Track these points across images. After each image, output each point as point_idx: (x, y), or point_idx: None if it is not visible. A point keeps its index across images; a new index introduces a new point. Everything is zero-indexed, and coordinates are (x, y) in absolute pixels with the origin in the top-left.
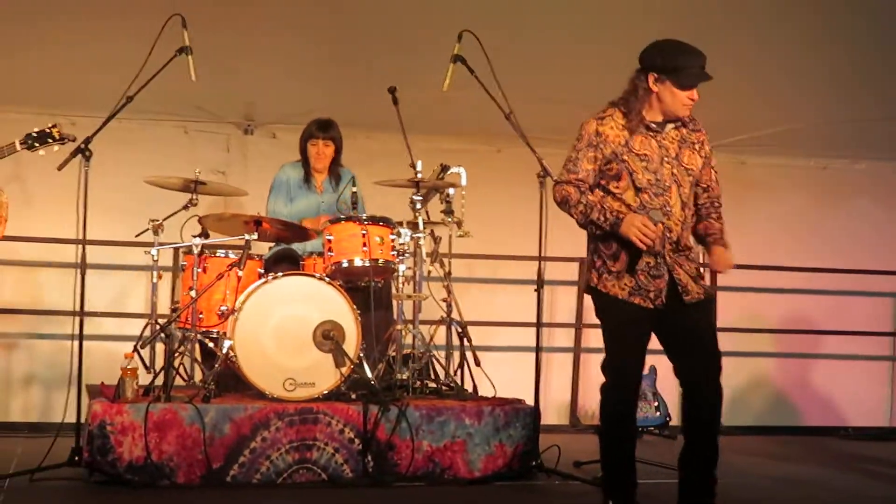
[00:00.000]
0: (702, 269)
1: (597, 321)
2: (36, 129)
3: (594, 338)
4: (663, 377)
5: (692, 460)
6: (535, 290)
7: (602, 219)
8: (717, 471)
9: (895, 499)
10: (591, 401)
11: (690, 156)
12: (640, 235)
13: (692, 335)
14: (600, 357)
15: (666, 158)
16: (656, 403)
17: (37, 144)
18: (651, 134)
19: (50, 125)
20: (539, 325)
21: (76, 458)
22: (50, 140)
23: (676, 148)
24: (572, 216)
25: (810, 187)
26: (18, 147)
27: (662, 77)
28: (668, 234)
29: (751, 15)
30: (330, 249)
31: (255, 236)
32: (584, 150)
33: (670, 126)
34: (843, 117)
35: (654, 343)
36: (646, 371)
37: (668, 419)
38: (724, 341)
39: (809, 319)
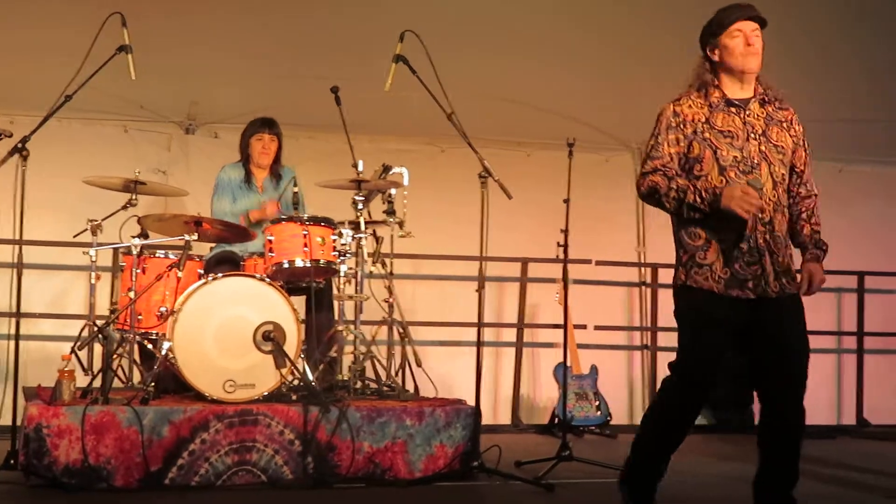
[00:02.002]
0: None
1: (540, 320)
2: None
3: (541, 335)
4: (604, 376)
5: (768, 482)
6: (476, 291)
7: (698, 199)
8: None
9: (835, 497)
10: (535, 400)
11: (779, 133)
12: (743, 204)
13: (777, 337)
14: (545, 354)
15: (752, 135)
16: (597, 403)
17: None
18: (734, 110)
19: None
20: (480, 324)
21: (12, 461)
22: None
23: (763, 124)
24: (664, 206)
25: None
26: None
27: (714, 41)
28: (760, 216)
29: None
30: (271, 250)
31: (195, 237)
32: (663, 133)
33: (755, 103)
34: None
35: (595, 339)
36: (586, 370)
37: (608, 418)
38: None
39: None
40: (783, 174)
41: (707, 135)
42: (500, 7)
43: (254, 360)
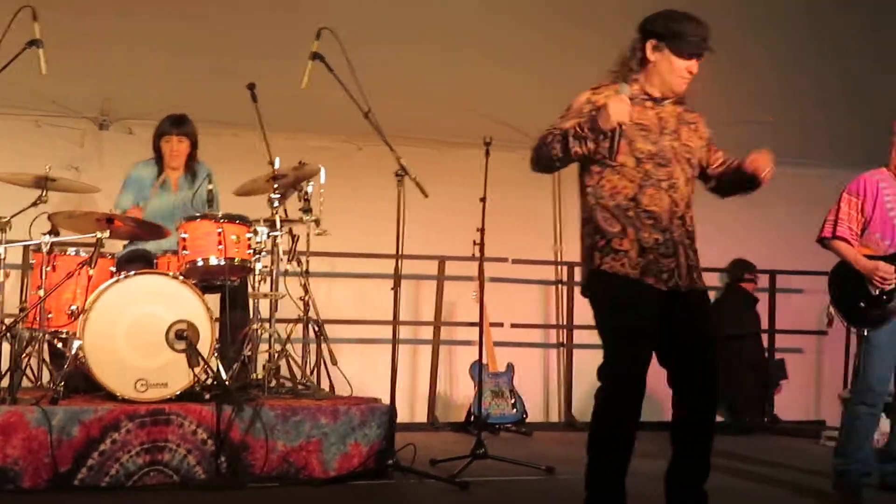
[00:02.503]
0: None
1: (457, 318)
2: None
3: (458, 333)
4: (521, 373)
5: (680, 476)
6: (392, 289)
7: (578, 128)
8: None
9: (749, 492)
10: (452, 398)
11: (689, 134)
12: (618, 108)
13: (689, 330)
14: (461, 352)
15: (665, 130)
16: (513, 400)
17: None
18: (649, 105)
19: None
20: (396, 322)
21: None
22: None
23: (675, 123)
24: (551, 154)
25: None
26: None
27: (661, 45)
28: (674, 209)
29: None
30: (185, 248)
31: (106, 234)
32: (573, 116)
33: (669, 102)
34: None
35: (512, 337)
36: (502, 368)
37: (524, 416)
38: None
39: None
40: (692, 173)
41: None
42: (418, 5)
43: (166, 358)
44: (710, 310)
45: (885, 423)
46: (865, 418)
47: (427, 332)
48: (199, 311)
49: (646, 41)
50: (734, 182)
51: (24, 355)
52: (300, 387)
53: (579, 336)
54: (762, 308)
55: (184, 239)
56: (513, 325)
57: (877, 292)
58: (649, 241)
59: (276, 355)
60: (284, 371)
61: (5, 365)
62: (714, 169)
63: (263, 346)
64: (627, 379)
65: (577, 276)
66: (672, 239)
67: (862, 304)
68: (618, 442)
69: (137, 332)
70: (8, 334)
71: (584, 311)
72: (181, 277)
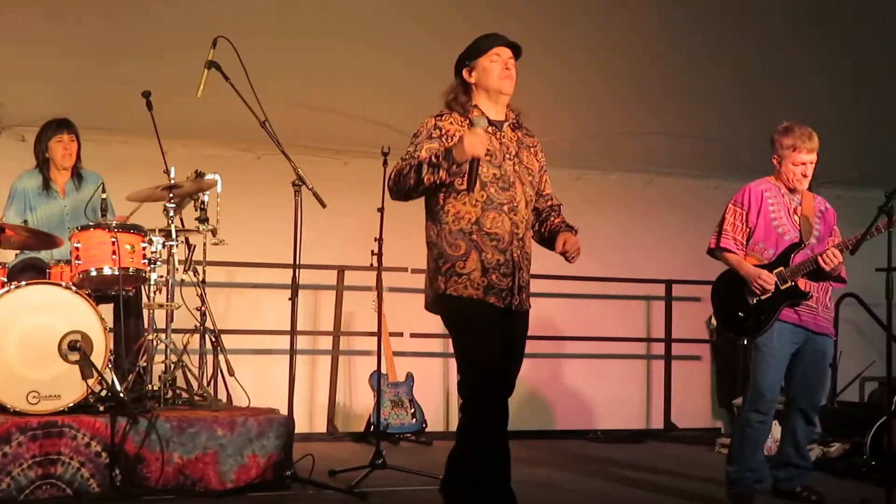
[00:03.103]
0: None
1: (356, 328)
2: None
3: (357, 343)
4: (421, 383)
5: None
6: (290, 299)
7: (433, 158)
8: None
9: (641, 500)
10: (351, 408)
11: (528, 157)
12: (473, 141)
13: (511, 346)
14: (361, 361)
15: (508, 155)
16: (413, 410)
17: None
18: (491, 130)
19: None
20: (293, 332)
21: None
22: None
23: (516, 147)
24: (408, 184)
25: (564, 196)
26: None
27: (471, 63)
28: (515, 231)
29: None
30: (78, 258)
31: None
32: (423, 141)
33: (507, 126)
34: (596, 129)
35: (412, 346)
36: (402, 378)
37: (424, 425)
38: None
39: (562, 324)
40: (532, 195)
41: None
42: (319, 10)
43: (59, 370)
44: (526, 330)
45: (776, 430)
46: (757, 426)
47: (326, 343)
48: (93, 321)
49: (462, 74)
50: (546, 243)
51: None
52: (197, 398)
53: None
54: (659, 316)
55: (77, 248)
56: (412, 335)
57: (754, 301)
58: (492, 261)
59: (172, 366)
60: (181, 382)
61: None
62: (541, 202)
63: (159, 357)
64: (483, 394)
65: None
66: (512, 259)
67: (740, 315)
68: (485, 454)
69: (29, 342)
70: None
71: None
72: (74, 287)
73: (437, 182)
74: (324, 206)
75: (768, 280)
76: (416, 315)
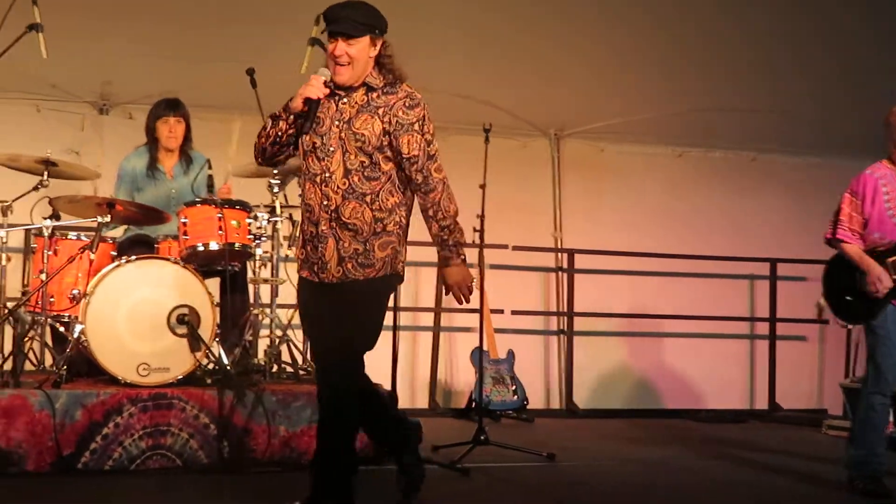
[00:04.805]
0: (375, 255)
1: (456, 305)
2: None
3: (458, 319)
4: (521, 360)
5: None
6: None
7: (278, 111)
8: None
9: (752, 482)
10: (452, 384)
11: (367, 120)
12: (307, 87)
13: (322, 321)
14: (462, 338)
15: (337, 121)
16: (514, 387)
17: None
18: (335, 98)
19: None
20: (396, 308)
21: None
22: None
23: (354, 112)
24: (259, 142)
25: (666, 174)
26: None
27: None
28: (324, 202)
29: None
30: (185, 233)
31: (108, 219)
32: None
33: (360, 90)
34: (699, 106)
35: (512, 323)
36: (503, 355)
37: (525, 402)
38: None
39: (664, 303)
40: (362, 161)
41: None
42: None
43: (168, 343)
44: (355, 304)
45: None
46: (879, 408)
47: (427, 319)
48: (201, 295)
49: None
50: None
51: (26, 339)
52: (301, 372)
53: (580, 323)
54: (763, 296)
55: (184, 224)
56: (513, 312)
57: (867, 289)
58: (307, 233)
59: (277, 341)
60: (286, 357)
61: (8, 348)
62: (411, 173)
63: (264, 332)
64: (317, 372)
65: (578, 263)
66: (319, 233)
67: (848, 298)
68: (322, 426)
69: (139, 316)
70: (10, 318)
71: (584, 298)
72: (182, 262)
73: (279, 133)
74: None
75: (885, 283)
76: (517, 292)
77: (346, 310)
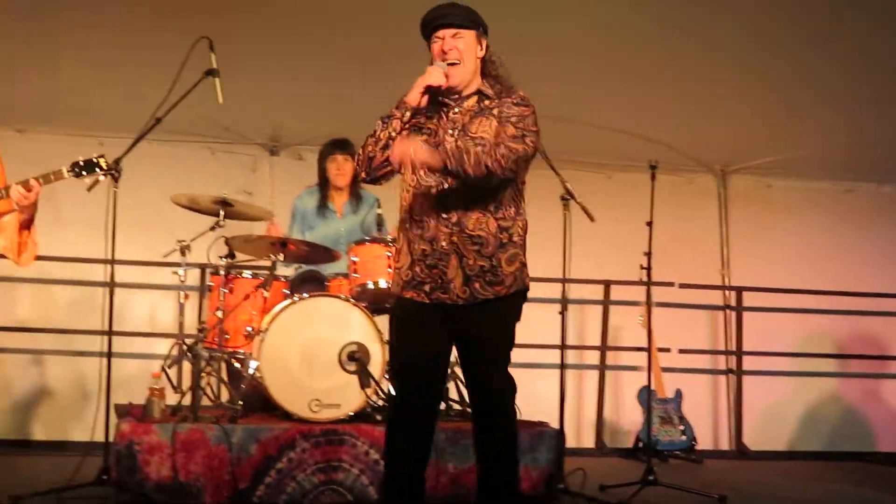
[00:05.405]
0: (503, 270)
1: (622, 343)
2: (83, 158)
3: (624, 358)
4: (689, 400)
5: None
6: (560, 313)
7: (380, 122)
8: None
9: None
10: (618, 423)
11: (482, 123)
12: (431, 72)
13: (471, 345)
14: (628, 377)
15: (451, 130)
16: (682, 427)
17: (84, 173)
18: (445, 109)
19: (96, 155)
20: (563, 346)
21: (104, 477)
22: (97, 170)
23: (467, 119)
24: (364, 151)
25: (836, 210)
26: (66, 174)
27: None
28: (444, 217)
29: (777, 37)
30: (355, 271)
31: (281, 258)
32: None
33: (473, 98)
34: (869, 140)
35: (679, 362)
36: (671, 394)
37: (693, 443)
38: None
39: (848, 340)
40: None
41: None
42: (582, 31)
43: (339, 380)
44: (497, 323)
45: None
46: None
47: (592, 357)
48: (371, 333)
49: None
50: None
51: (203, 375)
52: (469, 410)
53: (749, 362)
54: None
55: (354, 262)
56: (680, 351)
57: None
58: (416, 252)
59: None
60: (453, 394)
61: (186, 384)
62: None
63: None
64: (399, 401)
65: (746, 301)
66: (440, 250)
67: None
68: (391, 470)
69: (311, 353)
70: (189, 354)
71: (753, 336)
72: (352, 300)
73: (393, 137)
74: (592, 219)
75: None
76: (684, 330)
77: (482, 332)
